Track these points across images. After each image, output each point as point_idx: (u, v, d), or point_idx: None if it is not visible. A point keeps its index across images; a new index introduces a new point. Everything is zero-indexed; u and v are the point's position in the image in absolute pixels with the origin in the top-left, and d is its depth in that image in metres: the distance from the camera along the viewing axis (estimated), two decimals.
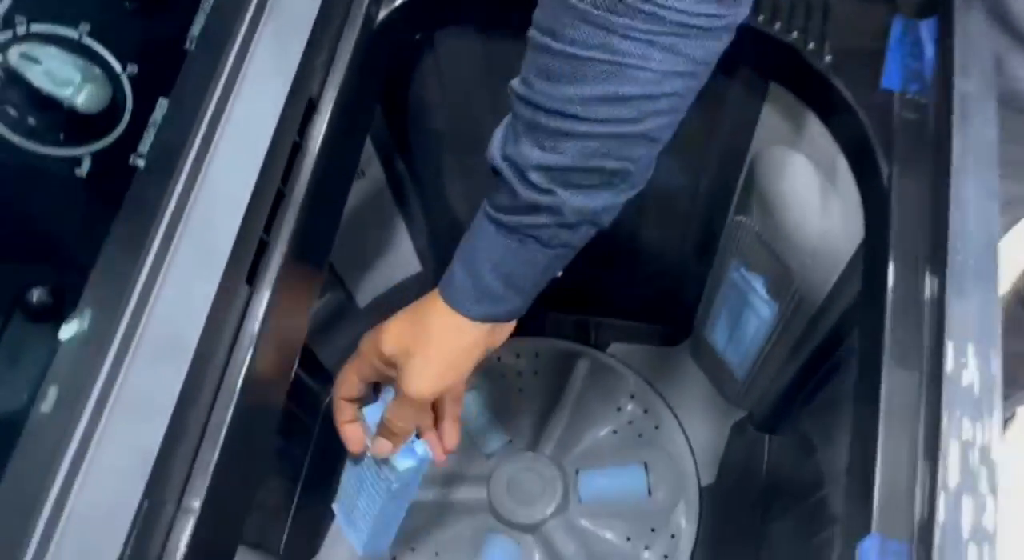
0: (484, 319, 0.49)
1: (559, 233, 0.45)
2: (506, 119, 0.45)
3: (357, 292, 0.94)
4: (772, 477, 0.98)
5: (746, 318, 0.85)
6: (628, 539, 1.00)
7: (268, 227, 0.51)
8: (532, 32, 0.42)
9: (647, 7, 0.38)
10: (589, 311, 1.10)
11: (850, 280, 0.66)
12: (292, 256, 0.52)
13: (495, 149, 0.45)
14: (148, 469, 0.41)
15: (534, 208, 0.44)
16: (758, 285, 0.79)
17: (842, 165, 0.62)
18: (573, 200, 0.43)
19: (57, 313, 0.46)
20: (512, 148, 0.44)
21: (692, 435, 1.04)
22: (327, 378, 0.96)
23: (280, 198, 0.52)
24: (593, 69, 0.40)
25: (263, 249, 0.50)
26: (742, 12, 0.41)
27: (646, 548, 0.99)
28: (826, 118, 0.63)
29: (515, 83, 0.43)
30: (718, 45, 0.41)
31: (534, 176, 0.43)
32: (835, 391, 0.80)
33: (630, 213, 0.47)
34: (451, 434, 0.58)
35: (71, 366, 0.44)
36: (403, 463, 0.56)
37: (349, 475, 0.63)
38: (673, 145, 0.45)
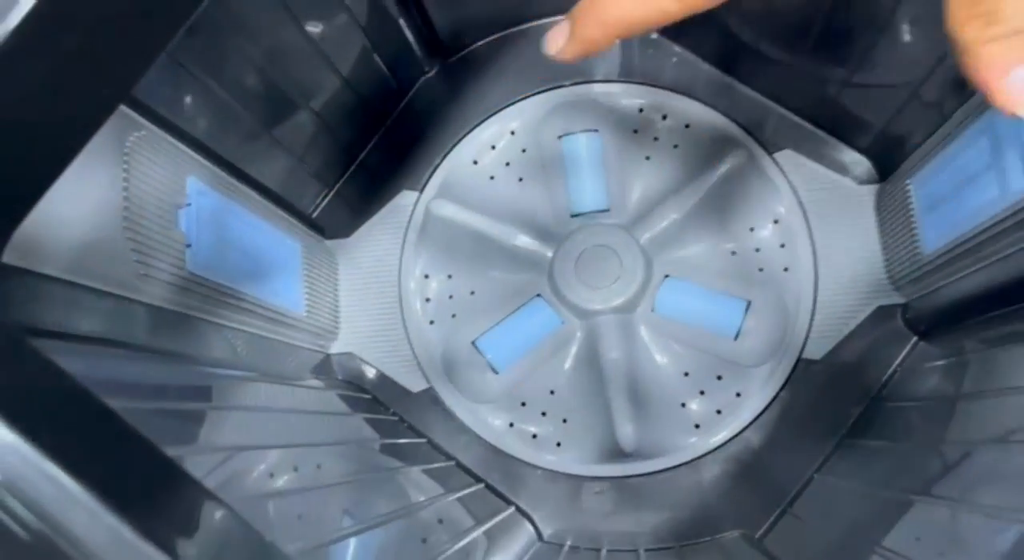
0: None
1: None
2: None
3: None
4: (897, 388, 0.76)
5: (981, 184, 0.57)
6: (685, 374, 0.82)
7: None
8: None
9: None
10: (773, 93, 0.83)
11: None
12: None
13: None
14: None
15: None
16: None
17: None
18: None
19: None
20: None
21: (823, 297, 0.80)
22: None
23: None
24: None
25: None
26: None
27: (701, 392, 0.81)
28: None
29: None
30: None
31: None
32: None
33: None
34: None
35: None
36: None
37: None
38: None
